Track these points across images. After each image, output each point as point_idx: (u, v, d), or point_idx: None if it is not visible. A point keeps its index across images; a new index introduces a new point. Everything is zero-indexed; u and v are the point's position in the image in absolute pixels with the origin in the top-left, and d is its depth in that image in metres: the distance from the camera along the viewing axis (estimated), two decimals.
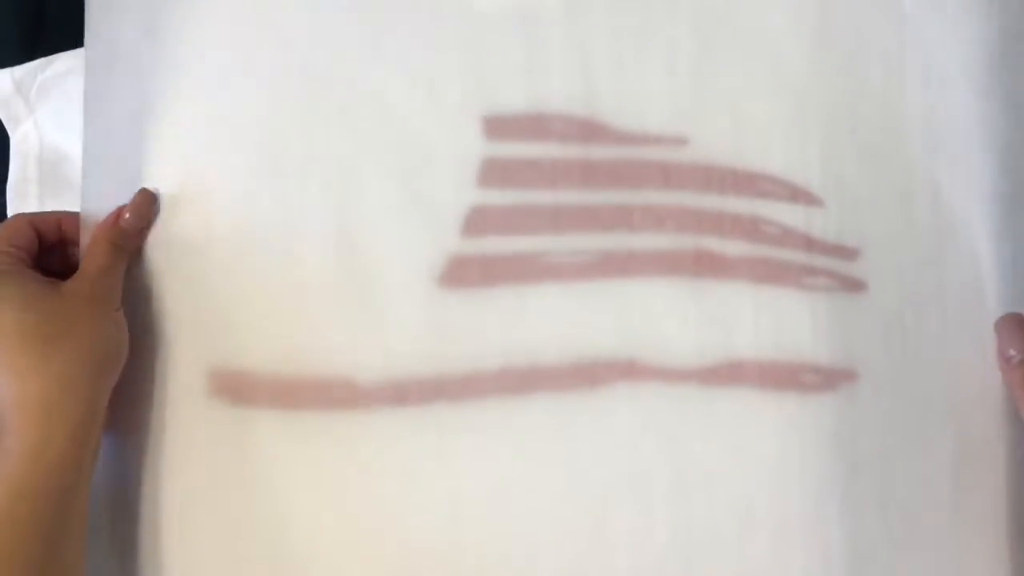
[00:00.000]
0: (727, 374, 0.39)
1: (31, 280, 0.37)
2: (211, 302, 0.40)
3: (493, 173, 0.40)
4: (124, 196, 0.40)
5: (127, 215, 0.39)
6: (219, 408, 0.39)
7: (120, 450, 0.39)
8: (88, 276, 0.38)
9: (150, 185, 0.41)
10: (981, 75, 0.41)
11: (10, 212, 0.46)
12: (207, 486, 0.39)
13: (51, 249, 0.40)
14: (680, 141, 0.41)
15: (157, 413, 0.39)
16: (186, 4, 0.41)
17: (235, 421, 0.39)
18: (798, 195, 0.40)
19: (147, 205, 0.40)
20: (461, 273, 0.40)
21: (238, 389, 0.39)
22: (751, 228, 0.40)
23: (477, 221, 0.40)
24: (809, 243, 0.40)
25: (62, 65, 0.46)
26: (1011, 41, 0.41)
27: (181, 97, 0.41)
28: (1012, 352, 0.38)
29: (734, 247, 0.40)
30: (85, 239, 0.39)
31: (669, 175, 0.40)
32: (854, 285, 0.40)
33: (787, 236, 0.40)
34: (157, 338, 0.40)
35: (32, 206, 0.46)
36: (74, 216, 0.40)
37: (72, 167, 0.46)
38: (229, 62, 0.41)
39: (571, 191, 0.40)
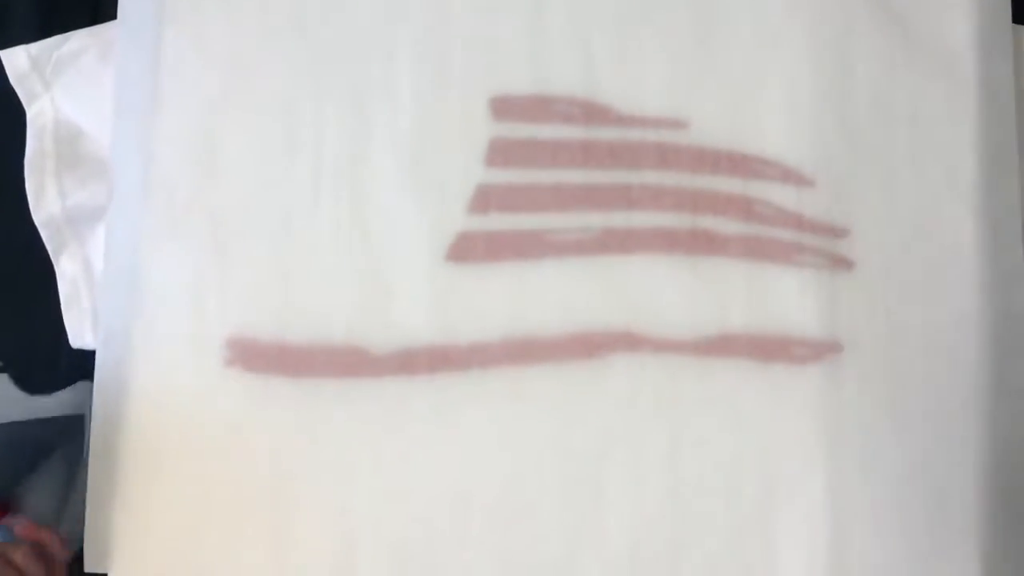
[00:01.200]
0: (720, 345, 0.41)
1: None
2: (227, 276, 0.42)
3: (499, 152, 0.42)
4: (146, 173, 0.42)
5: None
6: (235, 375, 0.41)
7: (143, 415, 0.41)
8: None
9: (171, 161, 0.42)
10: (961, 65, 0.42)
11: (28, 185, 0.47)
12: (225, 450, 0.41)
13: None
14: (678, 124, 0.42)
15: (179, 380, 0.41)
16: None
17: (251, 387, 0.41)
18: (790, 176, 0.42)
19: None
20: (467, 248, 0.41)
21: (253, 357, 0.41)
22: (745, 207, 0.42)
23: (483, 198, 0.42)
24: (800, 222, 0.42)
25: (77, 43, 0.47)
26: (989, 35, 0.43)
27: (200, 78, 0.43)
28: None
29: (728, 225, 0.42)
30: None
31: (666, 156, 0.42)
32: (842, 262, 0.41)
33: (779, 215, 0.42)
34: (177, 309, 0.41)
35: (49, 180, 0.47)
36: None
37: (87, 141, 0.47)
38: (245, 43, 0.43)
39: (573, 170, 0.42)
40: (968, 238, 0.42)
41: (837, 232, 0.42)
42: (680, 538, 0.40)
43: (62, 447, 0.50)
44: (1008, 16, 0.43)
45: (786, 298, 0.41)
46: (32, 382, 0.50)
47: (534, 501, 0.40)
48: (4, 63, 0.47)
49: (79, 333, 0.46)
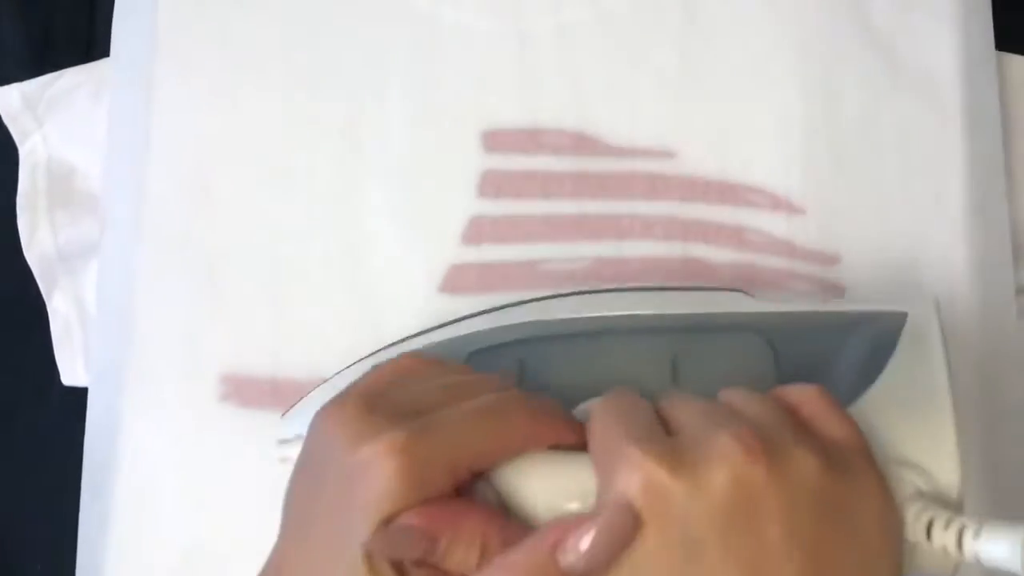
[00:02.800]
0: None
1: None
2: (221, 311, 0.42)
3: (491, 184, 0.42)
4: (139, 209, 0.42)
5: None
6: (229, 410, 0.41)
7: (136, 452, 0.41)
8: None
9: (163, 197, 0.42)
10: (947, 91, 0.43)
11: (20, 223, 0.47)
12: (219, 485, 0.41)
13: None
14: (667, 154, 0.43)
15: (172, 417, 0.41)
16: (197, 23, 0.44)
17: (244, 422, 0.41)
18: (780, 204, 0.42)
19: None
20: (461, 279, 0.42)
21: (247, 392, 0.41)
22: (736, 236, 0.42)
23: (476, 230, 0.42)
24: (791, 250, 0.42)
25: (68, 81, 0.48)
26: (973, 61, 0.43)
27: (192, 114, 0.43)
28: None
29: (720, 254, 0.42)
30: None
31: (656, 186, 0.42)
32: (833, 289, 0.42)
33: (770, 243, 0.42)
34: (171, 345, 0.41)
35: (41, 217, 0.47)
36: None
37: (79, 179, 0.47)
38: (237, 79, 0.43)
39: (564, 201, 0.42)
40: (959, 262, 0.42)
41: (828, 259, 0.42)
42: None
43: None
44: (991, 43, 0.44)
45: None
46: None
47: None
48: None
49: (71, 370, 0.46)
